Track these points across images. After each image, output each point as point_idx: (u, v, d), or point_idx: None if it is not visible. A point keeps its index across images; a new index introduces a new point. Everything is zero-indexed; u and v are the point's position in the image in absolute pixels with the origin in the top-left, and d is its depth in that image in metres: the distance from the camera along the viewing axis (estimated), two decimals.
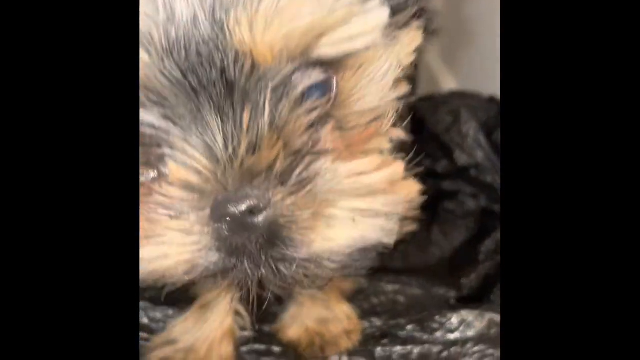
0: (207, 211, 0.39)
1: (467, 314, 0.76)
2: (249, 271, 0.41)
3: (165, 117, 0.39)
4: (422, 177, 1.10)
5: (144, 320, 0.77)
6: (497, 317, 0.74)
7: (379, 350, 0.70)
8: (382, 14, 0.43)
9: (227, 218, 0.39)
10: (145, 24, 0.37)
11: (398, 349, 0.71)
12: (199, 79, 0.38)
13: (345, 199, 0.41)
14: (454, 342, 0.73)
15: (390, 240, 0.42)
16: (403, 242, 0.97)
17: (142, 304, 0.77)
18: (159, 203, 0.40)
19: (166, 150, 0.40)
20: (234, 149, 0.38)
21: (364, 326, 0.76)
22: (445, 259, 0.95)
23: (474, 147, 1.07)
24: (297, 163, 0.40)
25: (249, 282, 0.42)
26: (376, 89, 0.45)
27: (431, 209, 1.02)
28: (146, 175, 0.41)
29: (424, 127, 1.12)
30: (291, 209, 0.39)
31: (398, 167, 0.44)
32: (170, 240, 0.40)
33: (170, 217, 0.40)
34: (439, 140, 1.10)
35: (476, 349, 0.71)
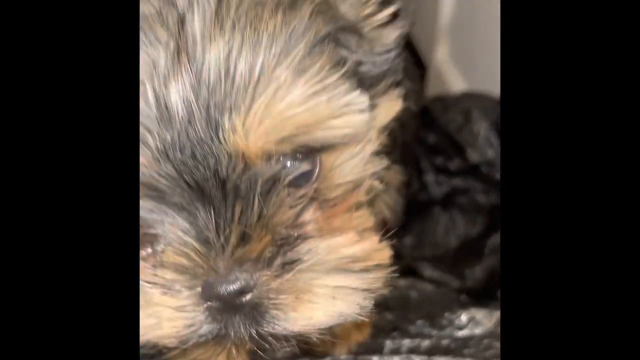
0: (198, 290, 0.42)
1: (476, 312, 0.79)
2: (235, 341, 0.44)
3: (160, 204, 0.42)
4: (436, 174, 1.13)
5: None
6: None
7: (388, 342, 0.74)
8: (363, 106, 0.45)
9: (217, 298, 0.42)
10: (145, 128, 0.39)
11: (407, 341, 0.74)
12: (193, 176, 0.40)
13: (326, 276, 0.44)
14: (462, 339, 0.76)
15: (364, 313, 0.46)
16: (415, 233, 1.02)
17: None
18: (151, 280, 0.43)
19: (160, 231, 0.43)
20: (225, 238, 0.41)
21: (375, 319, 0.79)
22: (452, 250, 0.99)
23: (485, 146, 1.10)
24: (283, 248, 0.43)
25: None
26: (354, 163, 0.47)
27: (444, 204, 1.06)
28: (151, 237, 0.44)
29: (437, 126, 1.16)
30: (275, 291, 0.42)
31: (373, 240, 0.48)
32: (163, 315, 0.43)
33: (163, 293, 0.43)
34: (451, 139, 1.13)
35: (484, 341, 0.74)
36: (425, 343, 0.73)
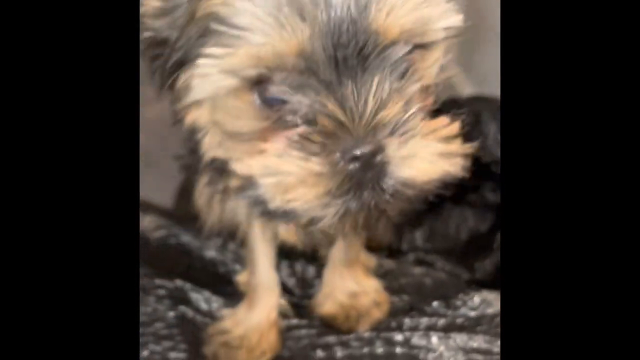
0: (338, 154, 0.50)
1: (488, 294, 0.86)
2: (365, 199, 0.51)
3: (308, 79, 0.50)
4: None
5: (204, 306, 0.90)
6: None
7: (407, 320, 0.81)
8: (452, 14, 0.54)
9: (355, 158, 0.50)
10: (311, 6, 0.48)
11: (424, 320, 0.81)
12: (344, 52, 0.49)
13: (435, 144, 0.52)
14: (475, 318, 0.83)
15: (461, 173, 0.55)
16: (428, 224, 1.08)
17: (205, 293, 0.90)
18: (294, 148, 0.51)
19: (304, 105, 0.51)
20: (364, 107, 0.49)
21: (393, 300, 0.86)
22: (462, 244, 1.06)
23: (494, 146, 1.16)
24: (403, 119, 0.51)
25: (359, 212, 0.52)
26: (434, 68, 0.57)
27: (454, 201, 1.12)
28: (275, 114, 0.52)
29: None
30: (400, 153, 0.51)
31: (455, 125, 0.56)
32: (305, 182, 0.51)
33: (305, 159, 0.51)
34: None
35: (495, 319, 0.81)
36: (442, 321, 0.80)
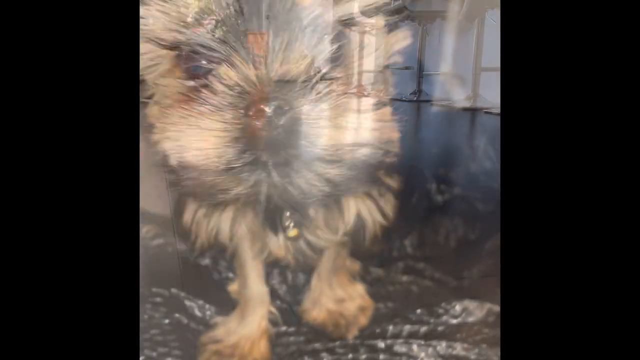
0: (243, 109, 0.50)
1: (469, 303, 0.89)
2: (269, 165, 0.50)
3: (220, 37, 0.51)
4: (437, 183, 1.24)
5: (198, 313, 0.94)
6: (495, 307, 0.87)
7: (390, 327, 0.84)
8: None
9: (260, 115, 0.49)
10: None
11: (407, 327, 0.84)
12: (254, 9, 0.50)
13: (353, 114, 0.52)
14: (456, 326, 0.85)
15: (389, 151, 0.54)
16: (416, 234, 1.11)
17: (199, 301, 0.94)
18: (205, 100, 0.51)
19: (215, 65, 0.51)
20: (271, 63, 0.50)
21: (378, 306, 0.89)
22: (451, 252, 1.09)
23: (484, 158, 1.20)
24: (317, 83, 0.51)
25: (266, 185, 0.52)
26: (371, 58, 0.57)
27: (445, 210, 1.16)
28: (197, 82, 0.53)
29: (439, 139, 1.26)
30: (308, 114, 0.50)
31: (387, 110, 0.56)
32: (210, 133, 0.50)
33: (211, 112, 0.51)
34: (452, 152, 1.24)
35: (475, 328, 0.84)
36: (424, 329, 0.83)
